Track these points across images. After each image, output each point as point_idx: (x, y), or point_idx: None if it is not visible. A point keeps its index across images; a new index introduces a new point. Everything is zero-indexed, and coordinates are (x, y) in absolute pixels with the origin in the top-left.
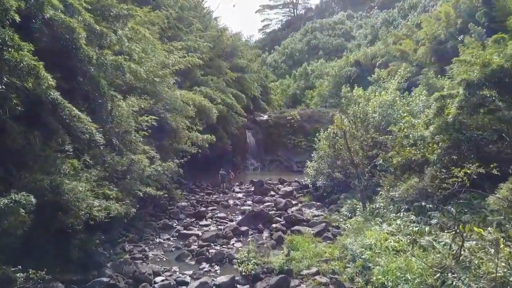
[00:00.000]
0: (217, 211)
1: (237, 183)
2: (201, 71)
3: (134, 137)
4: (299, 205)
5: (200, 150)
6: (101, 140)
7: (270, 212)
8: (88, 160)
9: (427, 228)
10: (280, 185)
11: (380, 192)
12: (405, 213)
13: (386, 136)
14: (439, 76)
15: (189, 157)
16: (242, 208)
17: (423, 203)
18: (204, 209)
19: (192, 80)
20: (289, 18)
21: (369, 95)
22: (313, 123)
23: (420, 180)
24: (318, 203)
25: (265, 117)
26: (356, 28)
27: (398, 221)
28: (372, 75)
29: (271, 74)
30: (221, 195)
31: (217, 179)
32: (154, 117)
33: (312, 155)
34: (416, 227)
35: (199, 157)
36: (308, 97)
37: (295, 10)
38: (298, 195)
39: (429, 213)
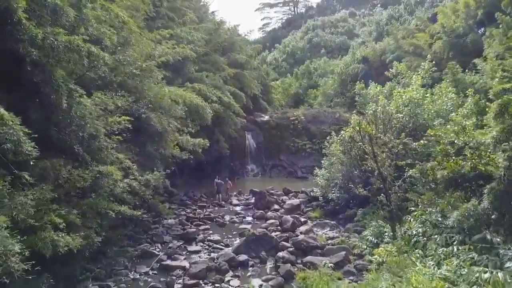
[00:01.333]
0: (210, 231)
1: (235, 193)
2: (196, 66)
3: (104, 143)
4: (309, 223)
5: (192, 156)
6: (32, 150)
7: (274, 235)
8: (26, 177)
9: (500, 275)
10: (284, 197)
11: (414, 213)
12: (459, 246)
13: (422, 142)
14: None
15: (177, 164)
16: (240, 227)
17: (488, 235)
18: (194, 228)
19: (185, 76)
20: (290, 16)
21: (390, 92)
22: (319, 124)
23: (478, 202)
24: (332, 222)
25: (266, 117)
26: (359, 26)
27: (454, 260)
28: (390, 70)
29: (272, 72)
30: (217, 208)
31: (212, 189)
32: (130, 118)
33: (322, 161)
34: (484, 272)
35: (192, 163)
36: (311, 96)
37: (295, 8)
38: (307, 209)
39: (499, 251)
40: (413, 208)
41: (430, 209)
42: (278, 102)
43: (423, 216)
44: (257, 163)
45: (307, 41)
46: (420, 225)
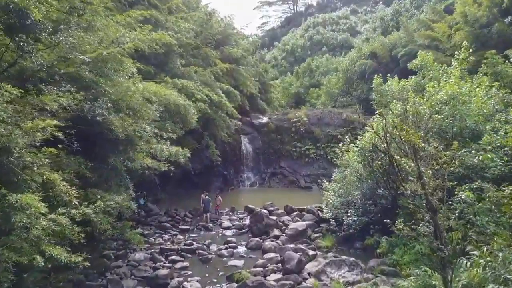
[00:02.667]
0: (189, 271)
1: (227, 209)
2: (182, 60)
3: (25, 159)
4: (320, 259)
5: (174, 167)
6: None
7: (274, 279)
8: None
9: None
10: (286, 217)
11: (478, 260)
12: None
13: (488, 155)
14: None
15: (159, 175)
16: (229, 263)
17: None
18: (168, 267)
19: (170, 71)
20: (289, 15)
21: (418, 88)
22: (324, 126)
23: None
24: (350, 259)
25: (265, 119)
26: (361, 23)
27: None
28: (413, 61)
29: (271, 70)
30: (202, 232)
31: (199, 205)
32: (57, 122)
33: (333, 174)
34: None
35: (176, 174)
36: (314, 96)
37: (295, 6)
38: (315, 235)
39: None
40: (475, 252)
41: (507, 255)
42: (277, 102)
43: (494, 267)
44: (255, 171)
45: (307, 39)
46: (489, 280)
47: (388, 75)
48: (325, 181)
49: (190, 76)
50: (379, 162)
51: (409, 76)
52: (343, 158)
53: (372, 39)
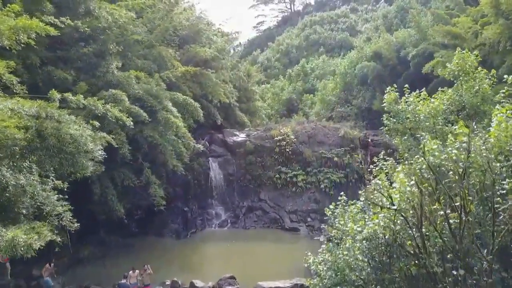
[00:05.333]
0: None
1: (167, 282)
2: (119, 62)
3: None
4: None
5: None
6: None
7: None
8: None
9: None
10: None
11: None
12: None
13: None
14: None
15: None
16: None
17: None
18: None
19: (101, 77)
20: (286, 14)
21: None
22: (316, 145)
23: None
24: None
25: (242, 137)
26: (361, 22)
27: None
28: (449, 65)
29: (263, 72)
30: None
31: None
32: None
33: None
34: None
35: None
36: (307, 103)
37: (292, 5)
38: None
39: None
40: None
41: None
42: (264, 112)
43: None
44: (226, 206)
45: (303, 38)
46: None
47: (406, 87)
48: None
49: (127, 85)
50: (404, 265)
51: (428, 84)
52: (337, 225)
53: (374, 38)
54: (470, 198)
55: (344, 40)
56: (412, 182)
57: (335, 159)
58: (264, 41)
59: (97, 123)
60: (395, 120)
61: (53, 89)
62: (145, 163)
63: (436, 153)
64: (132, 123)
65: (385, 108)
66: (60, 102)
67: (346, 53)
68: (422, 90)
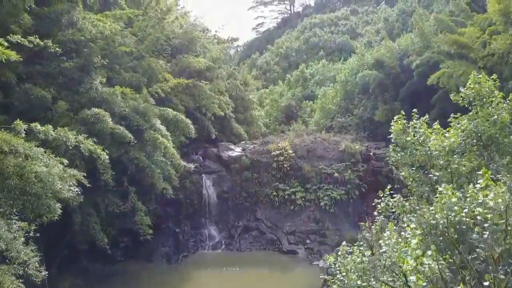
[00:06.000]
0: None
1: None
2: (105, 75)
3: None
4: None
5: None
6: None
7: None
8: None
9: None
10: None
11: None
12: None
13: None
14: None
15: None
16: None
17: None
18: None
19: (85, 94)
20: (285, 15)
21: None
22: (315, 160)
23: None
24: None
25: (237, 151)
26: (362, 25)
27: None
28: (462, 90)
29: (257, 81)
30: None
31: None
32: None
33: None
34: None
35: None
36: (307, 110)
37: (291, 7)
38: None
39: None
40: None
41: None
42: (262, 121)
43: None
44: (221, 225)
45: (303, 41)
46: None
47: (414, 112)
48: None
49: (113, 101)
50: None
51: (433, 94)
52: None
53: (375, 42)
54: (503, 277)
55: (344, 43)
56: (429, 252)
57: (336, 175)
58: (264, 43)
59: (65, 161)
60: (403, 153)
61: (30, 110)
62: (131, 188)
63: (456, 208)
64: (107, 156)
65: (392, 139)
66: (26, 133)
67: (346, 57)
68: (436, 123)
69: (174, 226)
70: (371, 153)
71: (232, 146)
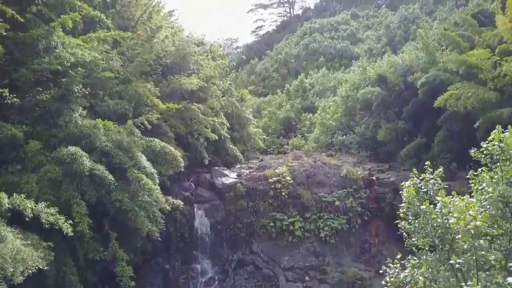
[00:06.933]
0: None
1: None
2: (86, 104)
3: None
4: None
5: None
6: None
7: None
8: None
9: None
10: None
11: None
12: None
13: None
14: None
15: None
16: None
17: None
18: None
19: (62, 128)
20: (285, 18)
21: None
22: (315, 187)
23: None
24: None
25: (232, 178)
26: (362, 29)
27: None
28: (483, 145)
29: (262, 82)
30: None
31: None
32: None
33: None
34: None
35: None
36: (306, 124)
37: (291, 9)
38: None
39: None
40: None
41: None
42: (260, 137)
43: None
44: (214, 259)
45: (303, 47)
46: None
47: (427, 165)
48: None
49: (95, 136)
50: None
51: (439, 114)
52: None
53: (376, 49)
54: None
55: (344, 49)
56: None
57: (337, 203)
58: (263, 47)
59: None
60: (416, 224)
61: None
62: (112, 233)
63: None
64: (71, 228)
65: (403, 209)
66: None
67: (346, 63)
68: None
69: (163, 261)
70: (374, 178)
71: (227, 172)
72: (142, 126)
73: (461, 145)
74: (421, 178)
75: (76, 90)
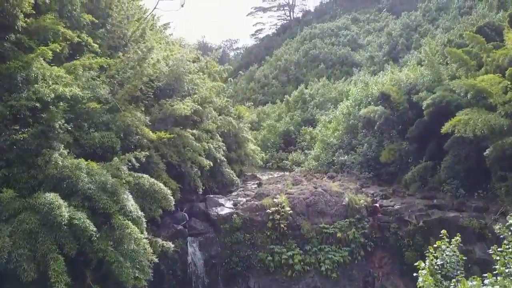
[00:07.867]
0: None
1: None
2: (69, 139)
3: None
4: None
5: None
6: None
7: None
8: None
9: None
10: None
11: None
12: None
13: None
14: None
15: None
16: None
17: None
18: None
19: (41, 168)
20: (285, 22)
21: None
22: (315, 217)
23: None
24: None
25: (228, 207)
26: (363, 35)
27: None
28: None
29: (260, 90)
30: None
31: None
32: None
33: None
34: None
35: None
36: (306, 138)
37: (291, 13)
38: None
39: None
40: None
41: None
42: (259, 155)
43: None
44: None
45: (302, 54)
46: None
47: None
48: None
49: (77, 178)
50: None
51: (445, 137)
52: None
53: (377, 57)
54: None
55: (345, 56)
56: None
57: (338, 234)
58: (263, 51)
59: None
60: None
61: None
62: (95, 286)
63: None
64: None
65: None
66: None
67: (347, 70)
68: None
69: None
70: (378, 205)
71: (222, 200)
72: (130, 164)
73: (468, 169)
74: (435, 254)
75: (57, 126)
